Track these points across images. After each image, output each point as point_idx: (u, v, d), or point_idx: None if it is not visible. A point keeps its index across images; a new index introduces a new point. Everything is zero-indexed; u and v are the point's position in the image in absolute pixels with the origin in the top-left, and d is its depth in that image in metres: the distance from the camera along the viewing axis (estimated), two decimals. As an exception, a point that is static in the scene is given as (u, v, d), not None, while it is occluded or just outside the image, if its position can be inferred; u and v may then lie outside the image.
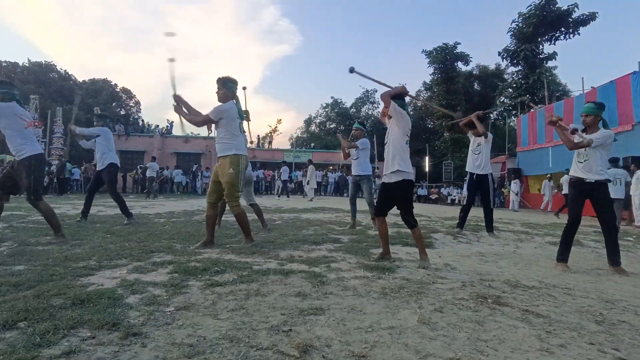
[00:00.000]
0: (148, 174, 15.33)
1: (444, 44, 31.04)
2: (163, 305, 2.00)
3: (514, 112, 26.59)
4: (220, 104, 3.79)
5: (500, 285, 2.76)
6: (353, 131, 5.96)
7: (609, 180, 3.56)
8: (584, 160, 3.60)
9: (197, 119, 3.75)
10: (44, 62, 40.51)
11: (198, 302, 2.07)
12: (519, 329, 1.90)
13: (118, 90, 45.96)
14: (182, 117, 3.79)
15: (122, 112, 43.09)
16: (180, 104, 3.78)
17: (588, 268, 3.80)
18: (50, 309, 1.81)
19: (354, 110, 42.47)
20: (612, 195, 8.66)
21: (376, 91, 42.84)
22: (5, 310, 1.77)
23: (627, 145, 11.57)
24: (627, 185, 8.82)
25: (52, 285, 2.20)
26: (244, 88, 4.59)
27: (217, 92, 3.83)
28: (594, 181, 3.54)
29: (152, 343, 1.54)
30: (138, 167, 19.04)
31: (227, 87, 3.83)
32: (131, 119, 36.12)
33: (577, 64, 66.07)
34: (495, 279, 2.95)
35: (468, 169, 5.78)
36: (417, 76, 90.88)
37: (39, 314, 1.73)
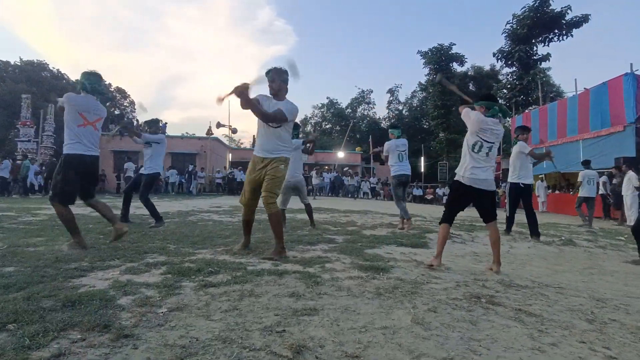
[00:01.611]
0: (126, 174, 15.16)
1: (439, 44, 31.28)
2: (156, 306, 1.98)
3: (509, 113, 26.77)
4: (288, 101, 3.50)
5: (494, 285, 2.77)
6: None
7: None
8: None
9: (269, 114, 3.35)
10: (35, 61, 40.15)
11: (191, 303, 2.06)
12: (511, 328, 1.90)
13: (112, 89, 45.65)
14: (254, 110, 3.32)
15: (117, 112, 42.80)
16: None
17: (581, 267, 3.83)
18: (40, 311, 1.78)
19: (350, 110, 42.53)
20: (586, 195, 8.95)
21: (372, 91, 43.00)
22: (-5, 312, 1.74)
23: (618, 146, 11.69)
24: (599, 185, 10.00)
25: (43, 287, 2.18)
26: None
27: (273, 85, 3.47)
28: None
29: (144, 345, 1.53)
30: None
31: (285, 81, 3.53)
32: (125, 119, 35.89)
33: (570, 66, 66.76)
34: (489, 279, 2.96)
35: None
36: (412, 76, 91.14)
37: (29, 316, 1.71)
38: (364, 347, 1.60)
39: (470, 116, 3.38)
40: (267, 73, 3.50)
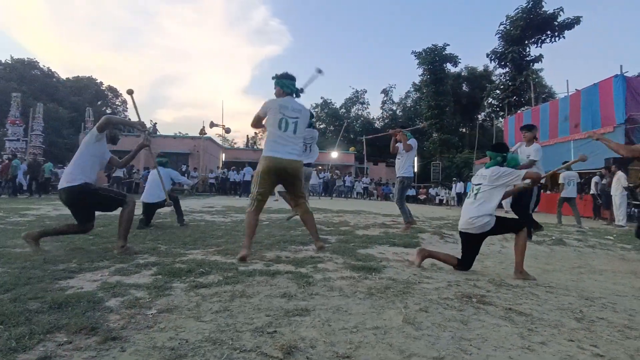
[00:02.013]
0: (114, 174, 14.95)
1: (433, 45, 31.39)
2: (145, 307, 1.96)
3: (501, 113, 26.99)
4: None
5: (485, 285, 2.79)
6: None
7: None
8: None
9: None
10: (26, 59, 39.64)
11: (181, 304, 2.04)
12: (502, 327, 1.91)
13: (103, 88, 45.26)
14: None
15: (108, 111, 42.40)
16: None
17: (570, 266, 3.87)
18: (27, 313, 1.76)
19: (344, 110, 42.58)
20: (566, 195, 9.07)
21: (366, 91, 43.10)
22: (-20, 314, 1.71)
23: (609, 147, 11.84)
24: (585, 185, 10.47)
25: (30, 289, 2.15)
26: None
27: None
28: None
29: (132, 347, 1.51)
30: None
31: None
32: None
33: (562, 67, 67.54)
34: (480, 279, 2.98)
35: None
36: (407, 77, 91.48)
37: (15, 318, 1.68)
38: (355, 348, 1.60)
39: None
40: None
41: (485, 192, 3.24)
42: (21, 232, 3.95)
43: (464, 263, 3.31)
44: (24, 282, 2.29)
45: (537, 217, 10.32)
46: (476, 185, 3.35)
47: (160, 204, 5.44)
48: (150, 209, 5.49)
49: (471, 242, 3.31)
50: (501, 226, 3.27)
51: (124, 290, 2.23)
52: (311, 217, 3.81)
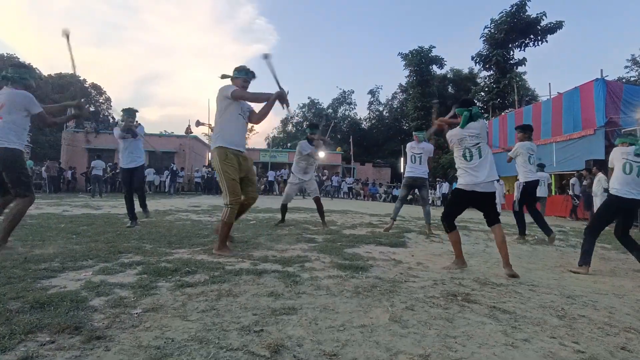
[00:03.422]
0: (93, 172, 14.66)
1: (419, 47, 31.68)
2: (130, 307, 1.93)
3: (486, 115, 27.41)
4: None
5: (470, 283, 2.83)
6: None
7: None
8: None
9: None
10: (5, 55, 38.48)
11: (167, 304, 2.02)
12: (486, 325, 1.95)
13: (87, 85, 44.27)
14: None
15: (92, 109, 41.51)
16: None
17: (552, 265, 3.96)
18: (7, 313, 1.71)
19: (331, 110, 42.64)
20: (538, 195, 9.39)
21: (353, 92, 43.28)
22: (-43, 314, 1.66)
23: (589, 149, 12.16)
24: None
25: (10, 288, 2.09)
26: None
27: (245, 86, 3.64)
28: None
29: (117, 346, 1.48)
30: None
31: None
32: (101, 116, 34.88)
33: (544, 70, 68.96)
34: (465, 277, 3.02)
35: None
36: (393, 78, 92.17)
37: (-6, 318, 1.64)
38: (342, 346, 1.60)
39: (447, 138, 3.53)
40: (250, 74, 3.70)
41: (485, 148, 3.34)
42: None
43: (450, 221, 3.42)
44: (4, 281, 2.23)
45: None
46: (474, 145, 3.34)
47: (140, 170, 5.60)
48: (129, 176, 5.52)
49: (476, 203, 3.37)
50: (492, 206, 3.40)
51: (109, 289, 2.20)
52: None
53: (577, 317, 2.18)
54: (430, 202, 22.51)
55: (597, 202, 9.41)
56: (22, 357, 1.34)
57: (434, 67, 32.90)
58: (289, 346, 1.57)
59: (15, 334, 1.50)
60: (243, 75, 3.63)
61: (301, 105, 43.86)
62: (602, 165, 9.81)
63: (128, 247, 3.52)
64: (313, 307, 2.07)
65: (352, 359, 1.49)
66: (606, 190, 9.26)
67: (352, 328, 1.81)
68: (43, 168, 18.10)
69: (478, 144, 3.35)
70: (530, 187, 5.71)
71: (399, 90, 39.76)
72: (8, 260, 2.79)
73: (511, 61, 26.60)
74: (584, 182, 11.13)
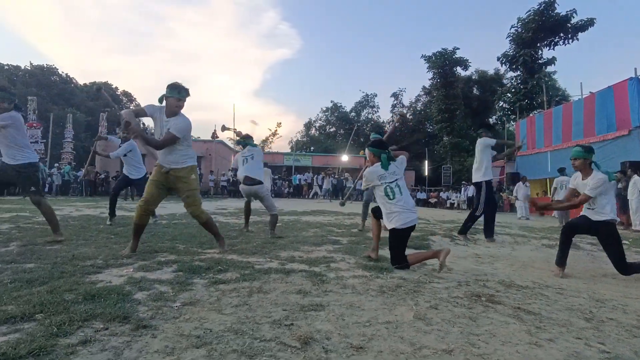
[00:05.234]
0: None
1: (443, 49, 31.23)
2: (170, 301, 2.09)
3: (512, 116, 26.72)
4: (183, 116, 3.47)
5: (495, 285, 2.85)
6: None
7: (616, 220, 3.54)
8: (593, 208, 3.53)
9: (158, 142, 3.39)
10: (45, 66, 40.71)
11: (203, 298, 2.16)
12: (510, 324, 1.98)
13: (119, 93, 46.17)
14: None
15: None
16: None
17: (583, 270, 3.89)
18: (64, 303, 1.90)
19: (354, 114, 42.65)
20: (558, 198, 9.08)
21: (376, 95, 43.15)
22: (22, 303, 1.86)
23: (624, 150, 11.69)
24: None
25: (63, 282, 2.30)
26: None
27: (180, 105, 3.44)
28: (600, 220, 3.48)
29: (162, 334, 1.63)
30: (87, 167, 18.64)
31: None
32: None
33: (576, 69, 66.40)
34: (490, 279, 3.04)
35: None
36: (416, 81, 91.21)
37: (54, 307, 1.83)
38: (368, 340, 1.69)
39: (365, 176, 3.55)
40: (184, 92, 3.44)
41: (402, 183, 3.42)
42: (49, 231, 4.15)
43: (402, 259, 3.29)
44: (58, 276, 2.45)
45: (545, 221, 10.23)
46: (392, 181, 3.38)
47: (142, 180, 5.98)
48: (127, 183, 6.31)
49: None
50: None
51: (149, 284, 2.37)
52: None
53: (605, 320, 2.18)
54: (456, 205, 22.16)
55: (633, 205, 9.04)
56: (82, 341, 1.51)
57: (458, 69, 32.33)
58: (318, 339, 1.67)
59: (73, 321, 1.68)
60: (175, 94, 3.37)
61: (324, 109, 44.12)
62: (638, 167, 9.43)
63: (163, 247, 3.72)
64: (340, 304, 2.16)
65: (378, 352, 1.58)
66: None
67: (377, 324, 1.89)
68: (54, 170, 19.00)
69: (396, 179, 3.40)
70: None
71: (422, 93, 39.29)
72: (58, 257, 3.03)
73: (539, 61, 25.82)
74: (619, 185, 10.69)
